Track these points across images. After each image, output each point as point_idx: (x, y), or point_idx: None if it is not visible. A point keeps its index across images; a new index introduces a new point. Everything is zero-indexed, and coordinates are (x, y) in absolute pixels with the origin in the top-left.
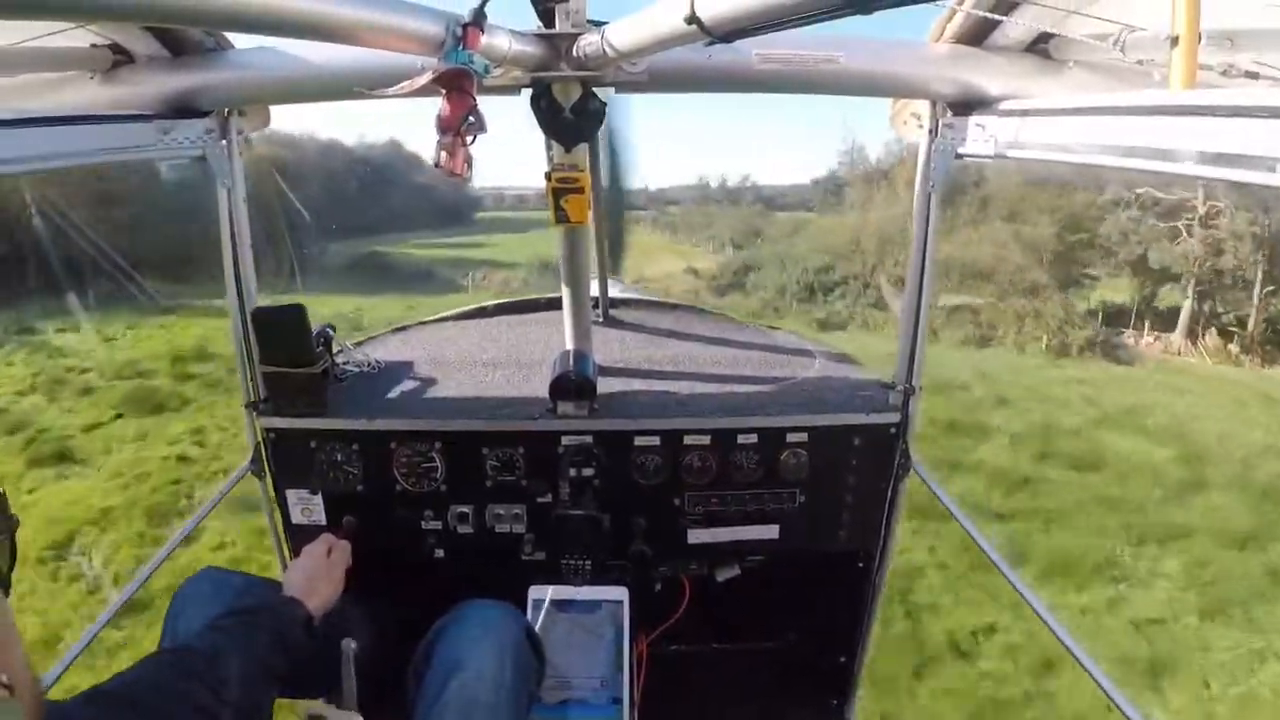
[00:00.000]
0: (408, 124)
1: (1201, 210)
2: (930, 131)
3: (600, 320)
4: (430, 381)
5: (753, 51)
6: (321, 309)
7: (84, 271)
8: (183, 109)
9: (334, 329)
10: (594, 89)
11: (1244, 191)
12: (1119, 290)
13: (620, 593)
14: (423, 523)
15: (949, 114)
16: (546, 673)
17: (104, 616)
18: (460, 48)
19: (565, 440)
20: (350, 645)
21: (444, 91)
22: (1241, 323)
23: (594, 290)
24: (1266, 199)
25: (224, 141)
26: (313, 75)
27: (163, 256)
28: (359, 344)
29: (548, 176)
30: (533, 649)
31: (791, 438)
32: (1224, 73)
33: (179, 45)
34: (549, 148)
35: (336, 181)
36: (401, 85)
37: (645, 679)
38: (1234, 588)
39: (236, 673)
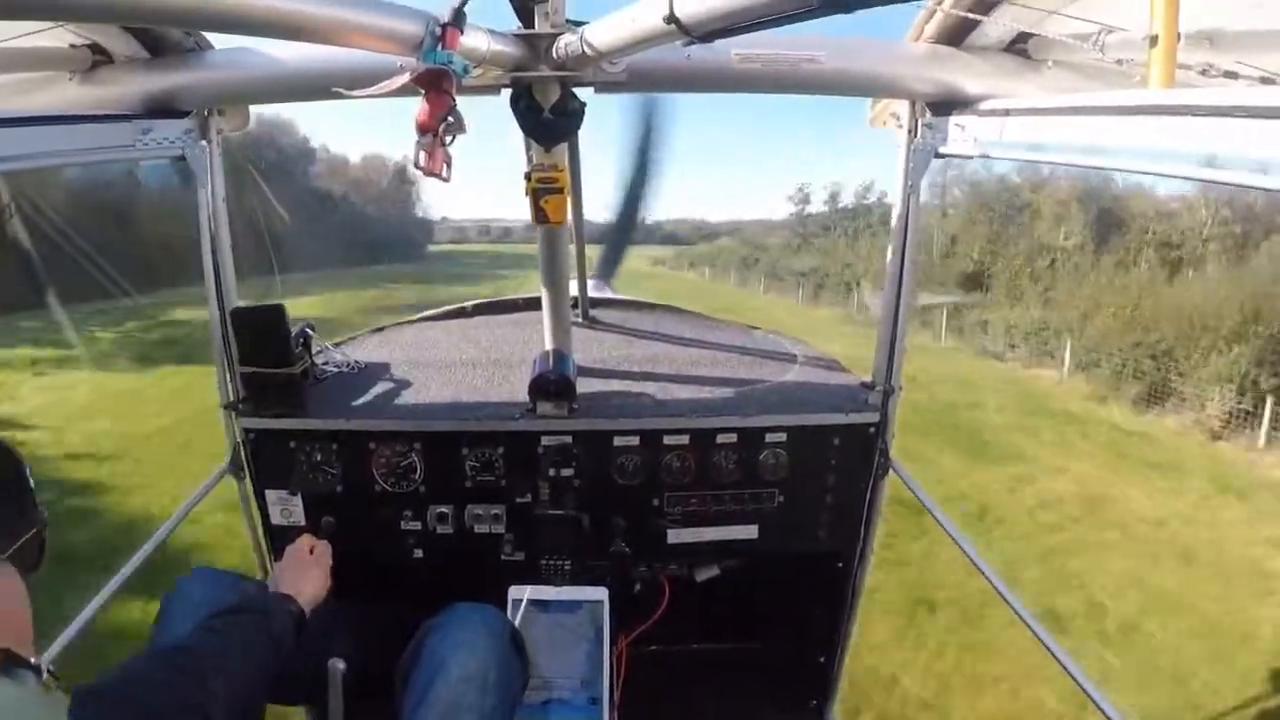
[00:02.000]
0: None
1: None
2: (909, 131)
3: (580, 321)
4: (410, 382)
5: (732, 51)
6: None
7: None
8: (162, 109)
9: (313, 329)
10: (573, 89)
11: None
12: None
13: (600, 593)
14: (402, 523)
15: (928, 114)
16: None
17: (85, 613)
18: (439, 48)
19: (545, 440)
20: (338, 665)
21: (423, 92)
22: None
23: (573, 290)
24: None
25: (204, 142)
26: (292, 75)
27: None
28: (338, 344)
29: (527, 177)
30: (517, 651)
31: (770, 437)
32: (1203, 72)
33: (158, 45)
34: (528, 148)
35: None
36: (380, 85)
37: (625, 679)
38: None
39: (229, 671)
